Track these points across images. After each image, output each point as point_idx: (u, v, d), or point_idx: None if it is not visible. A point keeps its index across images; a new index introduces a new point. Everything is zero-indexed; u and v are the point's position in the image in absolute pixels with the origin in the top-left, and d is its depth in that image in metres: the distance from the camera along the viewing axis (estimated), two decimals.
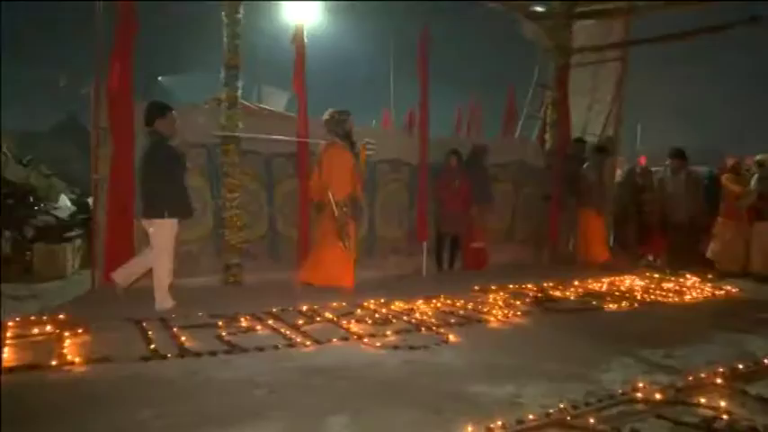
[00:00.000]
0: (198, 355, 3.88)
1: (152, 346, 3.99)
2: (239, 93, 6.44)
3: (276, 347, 4.12)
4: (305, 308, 5.34)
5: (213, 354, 3.92)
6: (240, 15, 6.37)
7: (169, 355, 3.84)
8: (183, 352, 3.93)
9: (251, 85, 13.60)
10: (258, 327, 4.68)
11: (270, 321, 4.85)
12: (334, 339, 4.36)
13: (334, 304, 5.51)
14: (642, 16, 9.92)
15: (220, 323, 4.70)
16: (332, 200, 6.11)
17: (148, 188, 5.26)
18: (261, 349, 4.05)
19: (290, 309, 5.32)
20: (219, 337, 4.32)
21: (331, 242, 6.20)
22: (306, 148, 6.72)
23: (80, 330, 4.35)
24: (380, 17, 15.78)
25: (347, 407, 3.07)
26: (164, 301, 5.27)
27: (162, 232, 5.24)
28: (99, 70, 5.83)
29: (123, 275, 5.43)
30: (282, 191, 6.92)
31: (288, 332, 4.52)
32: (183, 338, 4.22)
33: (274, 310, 5.24)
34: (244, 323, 4.77)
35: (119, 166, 5.79)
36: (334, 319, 5.00)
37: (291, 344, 4.24)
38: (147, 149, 5.25)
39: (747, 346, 4.55)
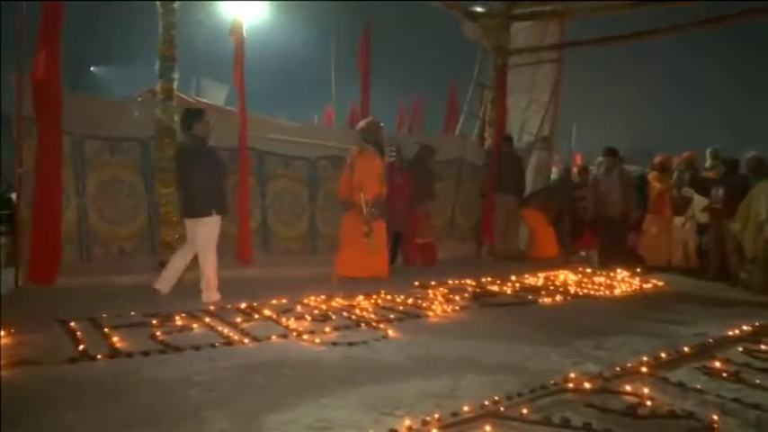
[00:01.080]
0: (130, 355, 3.75)
1: (81, 347, 3.83)
2: (175, 85, 6.25)
3: (213, 346, 4.04)
4: (243, 305, 5.26)
5: (146, 354, 3.80)
6: (176, 5, 6.19)
7: (99, 357, 3.70)
8: (113, 352, 3.79)
9: (189, 77, 13.23)
10: (194, 325, 4.57)
11: (207, 319, 4.75)
12: (273, 336, 4.31)
13: (274, 301, 5.45)
14: (577, 19, 10.27)
15: (154, 322, 4.56)
16: (362, 200, 6.56)
17: (195, 188, 5.47)
18: (197, 348, 3.95)
19: (229, 306, 5.23)
20: (153, 337, 4.20)
21: (358, 238, 6.66)
22: (246, 142, 6.59)
23: (3, 332, 4.12)
24: (322, 13, 15.70)
25: (286, 404, 3.04)
26: (211, 293, 5.52)
27: (209, 229, 5.52)
28: (23, 58, 5.53)
29: (164, 282, 5.56)
30: None
31: (225, 330, 4.44)
32: (114, 339, 4.07)
33: (212, 308, 5.14)
34: (179, 322, 4.65)
35: (45, 160, 5.51)
36: (273, 316, 4.94)
37: (229, 342, 4.16)
38: (190, 152, 5.50)
39: (670, 336, 4.79)
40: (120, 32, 18.05)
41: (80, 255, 5.98)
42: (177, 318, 4.73)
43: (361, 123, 7.07)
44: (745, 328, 5.01)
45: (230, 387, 3.30)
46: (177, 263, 5.64)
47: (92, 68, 20.74)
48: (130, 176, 6.15)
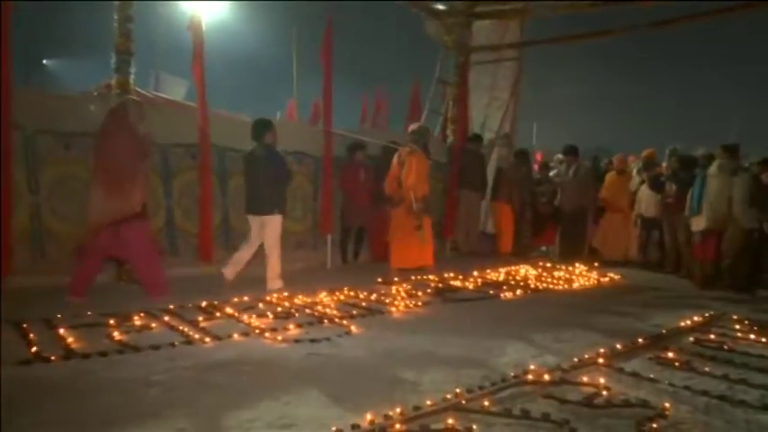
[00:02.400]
0: (86, 356, 3.66)
1: (33, 349, 3.71)
2: (132, 79, 6.11)
3: (173, 345, 3.97)
4: (204, 303, 5.18)
5: (103, 354, 3.71)
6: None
7: (53, 358, 3.59)
8: (68, 354, 3.69)
9: (147, 72, 12.94)
10: (153, 324, 4.49)
11: (166, 318, 4.67)
12: (235, 334, 4.27)
13: (236, 299, 5.39)
14: (537, 18, 10.44)
15: (112, 322, 4.45)
16: (412, 197, 7.05)
17: (263, 190, 6.00)
18: (156, 347, 3.88)
19: (189, 305, 5.14)
20: (110, 337, 4.10)
21: (410, 231, 7.16)
22: (207, 138, 6.49)
23: None
24: (283, 9, 15.53)
25: (247, 402, 3.02)
26: (275, 282, 6.07)
27: (275, 226, 6.07)
28: None
29: (231, 271, 6.09)
30: (181, 183, 6.66)
31: (185, 329, 4.37)
32: (69, 339, 3.97)
33: (171, 306, 5.04)
34: (138, 321, 4.56)
35: None
36: (235, 314, 4.89)
37: (189, 341, 4.10)
38: (261, 158, 6.02)
39: (626, 328, 4.94)
40: (75, 25, 17.50)
41: (33, 254, 5.79)
42: (136, 317, 4.63)
43: (413, 127, 7.60)
44: (696, 318, 5.20)
45: (190, 386, 3.26)
46: (243, 254, 6.13)
47: (45, 62, 20.06)
48: (87, 173, 5.98)
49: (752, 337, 4.66)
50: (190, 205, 6.65)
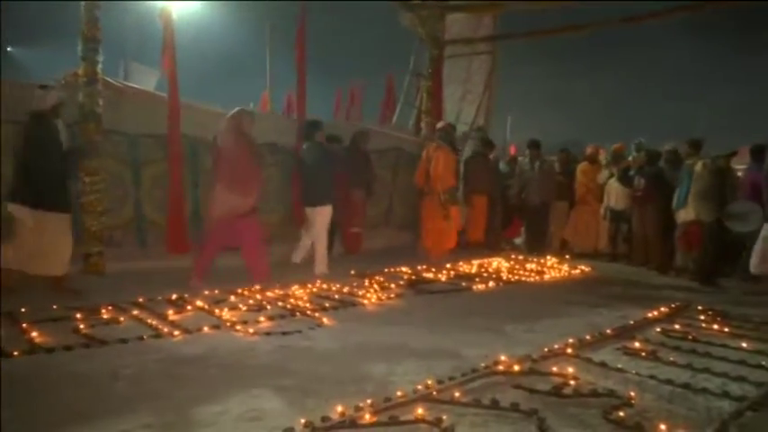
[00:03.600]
0: (50, 350, 3.59)
1: None
2: (100, 68, 5.97)
3: (141, 338, 3.92)
4: (174, 296, 5.12)
5: (69, 348, 3.64)
6: None
7: (16, 353, 3.51)
8: (32, 348, 3.61)
9: (117, 61, 12.66)
10: (121, 318, 4.42)
11: (135, 312, 4.60)
12: (205, 327, 4.22)
13: (206, 292, 5.33)
14: (510, 12, 10.49)
15: (78, 315, 4.37)
16: (439, 189, 7.81)
17: (315, 184, 6.72)
18: (124, 341, 3.82)
19: (159, 298, 5.07)
20: (77, 331, 4.03)
21: (438, 219, 7.98)
22: (178, 129, 6.39)
23: None
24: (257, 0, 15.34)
25: (217, 395, 2.99)
26: (322, 267, 6.76)
27: (324, 216, 6.79)
28: None
29: (320, 268, 6.77)
30: (151, 173, 6.55)
31: (154, 322, 4.31)
32: (33, 333, 3.88)
33: (140, 299, 4.97)
34: (105, 315, 4.48)
35: None
36: (206, 306, 4.84)
37: (158, 334, 4.05)
38: (313, 155, 6.79)
39: (595, 319, 5.02)
40: (41, 12, 17.00)
41: None
42: (103, 311, 4.55)
43: (440, 125, 8.43)
44: (662, 309, 5.31)
45: (159, 380, 3.22)
46: (305, 241, 7.10)
47: (9, 49, 19.49)
48: None
49: (715, 327, 4.77)
50: (160, 197, 6.54)
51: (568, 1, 9.24)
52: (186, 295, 5.18)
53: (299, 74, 7.55)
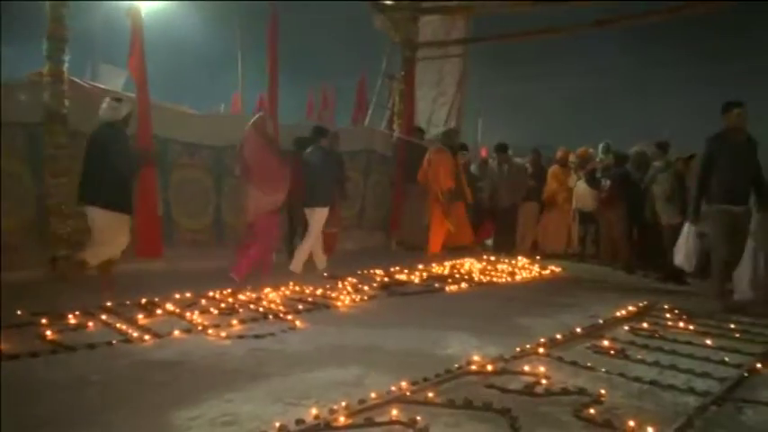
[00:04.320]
0: (14, 357, 3.49)
1: None
2: (66, 67, 5.84)
3: (110, 344, 3.84)
4: (144, 301, 5.03)
5: (34, 355, 3.55)
6: None
7: None
8: None
9: (83, 60, 12.40)
10: (90, 323, 4.32)
11: (103, 316, 4.50)
12: (176, 332, 4.16)
13: (177, 295, 5.25)
14: (483, 15, 10.60)
15: (44, 321, 4.26)
16: (437, 191, 8.45)
17: (316, 186, 6.87)
18: (92, 346, 3.74)
19: (128, 302, 4.97)
20: (42, 337, 3.92)
21: (440, 218, 8.61)
22: (148, 129, 6.28)
23: None
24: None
25: (189, 400, 2.95)
26: (297, 266, 6.86)
27: (320, 217, 6.95)
28: None
29: (297, 265, 6.86)
30: None
31: (124, 327, 4.23)
32: None
33: (109, 304, 4.86)
34: (72, 320, 4.37)
35: None
36: (177, 310, 4.77)
37: (128, 339, 3.97)
38: (315, 159, 6.98)
39: (565, 318, 5.10)
40: (4, 10, 16.55)
41: None
42: (70, 316, 4.44)
43: (441, 129, 9.49)
44: (630, 309, 5.42)
45: (129, 385, 3.16)
46: (303, 248, 7.06)
47: None
48: (15, 166, 5.68)
49: (680, 325, 4.90)
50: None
51: (536, 4, 9.35)
52: (156, 299, 5.09)
53: (271, 75, 7.49)
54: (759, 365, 3.77)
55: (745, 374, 3.57)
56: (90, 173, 5.35)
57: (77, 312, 4.55)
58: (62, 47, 5.79)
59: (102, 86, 7.13)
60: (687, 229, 6.29)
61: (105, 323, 4.35)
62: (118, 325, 4.28)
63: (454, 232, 8.76)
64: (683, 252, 6.39)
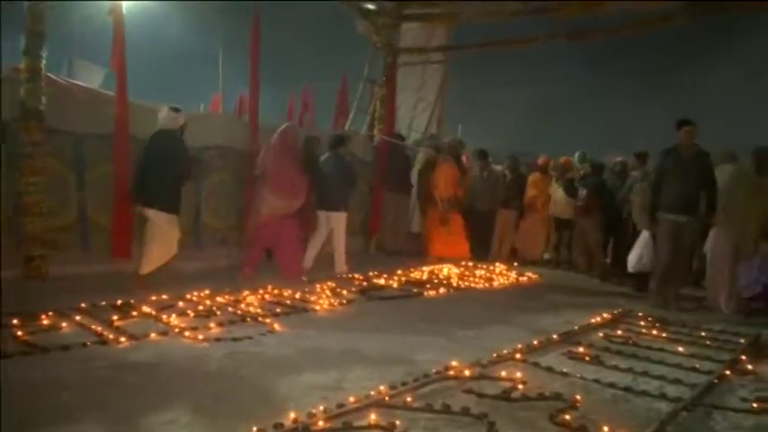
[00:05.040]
0: None
1: None
2: (43, 64, 5.74)
3: (84, 345, 3.79)
4: (119, 302, 4.96)
5: (7, 356, 3.48)
6: None
7: None
8: None
9: (61, 57, 12.19)
10: (63, 324, 4.25)
11: (78, 318, 4.44)
12: (153, 334, 4.12)
13: (154, 297, 5.19)
14: (464, 23, 10.68)
15: (15, 322, 4.17)
16: (438, 198, 8.73)
17: (335, 191, 7.26)
18: (66, 348, 3.69)
19: (103, 303, 4.90)
20: (16, 338, 3.85)
21: (437, 226, 8.89)
22: (126, 128, 6.20)
23: None
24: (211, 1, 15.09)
25: (167, 403, 2.93)
26: (342, 266, 7.38)
27: (340, 221, 7.40)
28: None
29: (308, 260, 7.19)
30: (96, 174, 6.31)
31: (99, 328, 4.17)
32: None
33: (83, 305, 4.79)
34: (46, 321, 4.30)
35: None
36: (153, 312, 4.72)
37: (103, 341, 3.92)
38: (332, 165, 7.38)
39: (542, 324, 5.16)
40: None
41: None
42: (43, 317, 4.37)
43: (446, 139, 9.63)
44: (605, 315, 5.51)
45: (104, 388, 3.12)
46: (315, 243, 7.34)
47: None
48: None
49: (654, 332, 5.00)
50: (105, 198, 6.33)
51: (517, 15, 9.47)
52: (132, 300, 5.03)
53: (253, 75, 7.46)
54: (728, 372, 3.86)
55: (715, 381, 3.66)
56: (147, 177, 5.72)
57: (51, 313, 4.47)
58: (40, 42, 5.69)
59: (80, 83, 7.03)
60: (642, 234, 6.76)
61: (80, 324, 4.29)
62: (93, 326, 4.23)
63: (450, 242, 8.90)
64: (636, 255, 6.83)
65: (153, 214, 5.73)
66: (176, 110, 5.98)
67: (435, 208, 8.87)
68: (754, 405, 3.27)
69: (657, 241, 6.45)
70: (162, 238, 5.78)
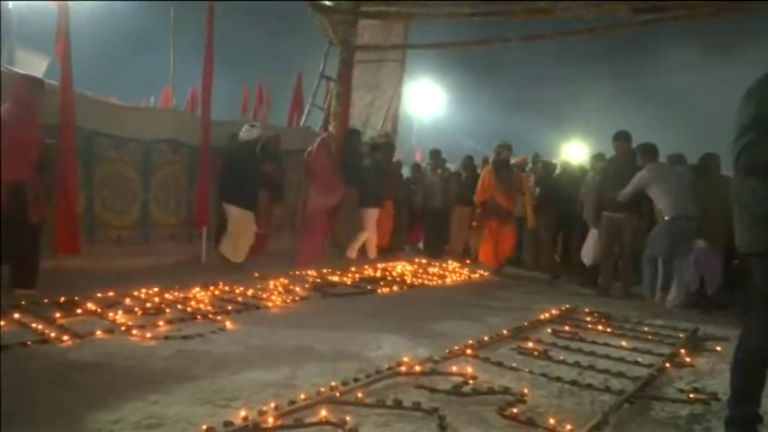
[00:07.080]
0: None
1: None
2: None
3: (24, 344, 3.63)
4: (62, 299, 4.79)
5: None
6: None
7: None
8: None
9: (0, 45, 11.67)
10: (1, 323, 4.07)
11: (16, 315, 4.26)
12: (98, 332, 3.99)
13: (99, 294, 5.03)
14: (421, 22, 10.75)
15: None
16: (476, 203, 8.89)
17: (372, 188, 8.30)
18: (5, 347, 3.53)
19: (45, 301, 4.73)
20: None
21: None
22: (72, 120, 5.97)
23: None
24: None
25: (111, 403, 2.84)
26: (352, 252, 8.37)
27: (373, 215, 8.35)
28: None
29: (353, 250, 8.38)
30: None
31: (40, 326, 4.02)
32: None
33: (23, 302, 4.60)
34: None
35: None
36: (98, 310, 4.58)
37: (44, 339, 3.78)
38: (374, 165, 8.52)
39: (492, 321, 5.26)
40: None
41: None
42: None
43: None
44: (553, 312, 5.66)
45: (46, 389, 3.01)
46: (360, 239, 8.42)
47: None
48: None
49: (599, 327, 5.16)
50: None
51: (474, 15, 9.58)
52: (76, 297, 4.87)
53: (206, 69, 7.31)
54: (667, 365, 4.03)
55: (655, 374, 3.80)
56: (229, 179, 6.93)
57: None
58: None
59: (22, 72, 6.74)
60: (590, 232, 7.42)
61: (18, 322, 4.12)
62: (33, 324, 4.06)
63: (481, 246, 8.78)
64: (587, 250, 7.51)
65: (230, 209, 6.89)
66: (253, 125, 7.27)
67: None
68: (691, 396, 3.42)
69: (599, 235, 7.19)
70: (245, 228, 6.94)
